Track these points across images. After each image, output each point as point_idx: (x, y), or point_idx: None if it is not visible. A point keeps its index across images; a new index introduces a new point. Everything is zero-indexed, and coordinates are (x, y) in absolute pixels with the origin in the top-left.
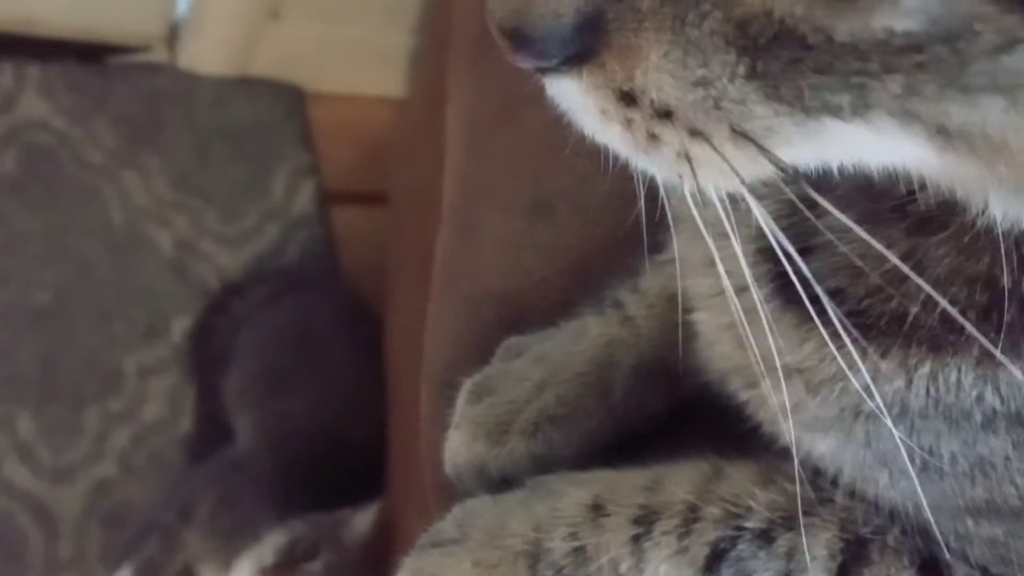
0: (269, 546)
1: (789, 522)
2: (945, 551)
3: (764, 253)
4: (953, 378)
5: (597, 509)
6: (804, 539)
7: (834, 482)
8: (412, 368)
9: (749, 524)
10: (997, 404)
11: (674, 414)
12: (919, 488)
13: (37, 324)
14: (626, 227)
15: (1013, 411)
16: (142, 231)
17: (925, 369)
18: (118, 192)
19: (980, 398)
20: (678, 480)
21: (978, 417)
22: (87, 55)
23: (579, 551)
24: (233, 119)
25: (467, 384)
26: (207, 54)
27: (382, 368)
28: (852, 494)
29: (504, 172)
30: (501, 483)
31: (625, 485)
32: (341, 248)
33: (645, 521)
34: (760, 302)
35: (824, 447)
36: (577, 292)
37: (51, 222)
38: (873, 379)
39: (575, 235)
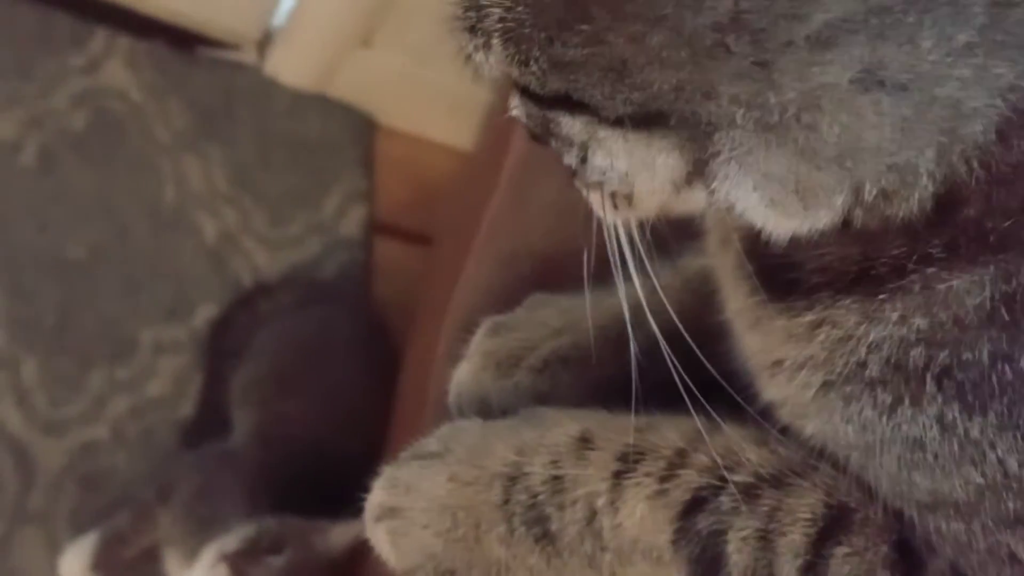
0: (235, 535)
1: (775, 481)
2: (915, 539)
3: (749, 254)
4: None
5: (584, 442)
6: (790, 499)
7: (822, 456)
8: (419, 400)
9: (736, 477)
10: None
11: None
12: (870, 471)
13: (64, 276)
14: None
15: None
16: (190, 215)
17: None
18: (175, 173)
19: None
20: (671, 427)
21: (874, 371)
22: (179, 40)
23: (557, 480)
24: (302, 132)
25: (487, 321)
26: (292, 66)
27: (390, 399)
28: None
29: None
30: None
31: (617, 424)
32: (376, 277)
33: (630, 459)
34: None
35: (811, 429)
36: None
37: (103, 183)
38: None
39: None
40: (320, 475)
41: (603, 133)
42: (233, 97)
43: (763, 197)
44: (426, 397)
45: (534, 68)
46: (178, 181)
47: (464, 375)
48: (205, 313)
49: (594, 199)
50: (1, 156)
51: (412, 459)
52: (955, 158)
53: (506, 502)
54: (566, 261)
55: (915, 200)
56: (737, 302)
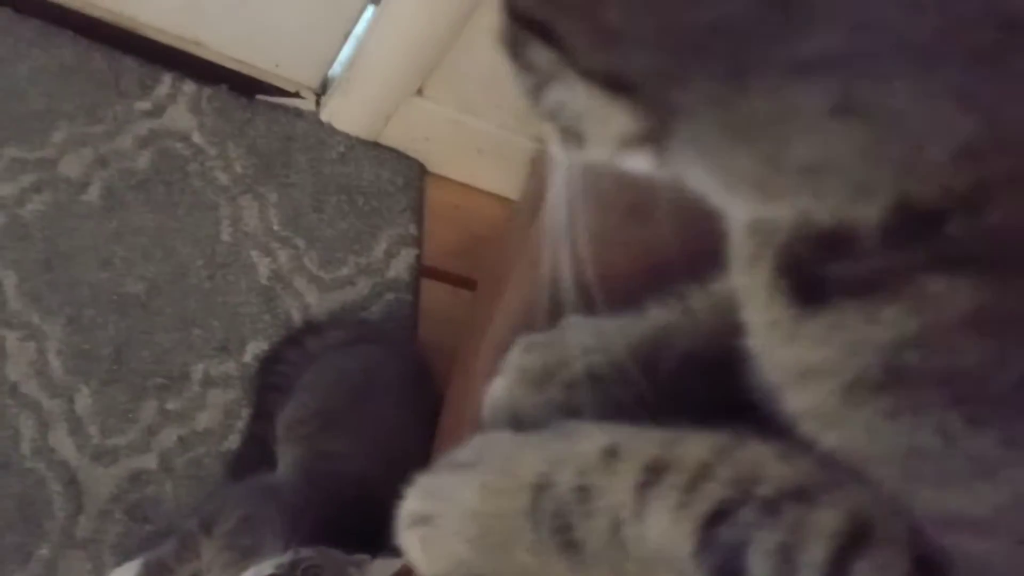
0: (272, 562)
1: (798, 496)
2: (937, 556)
3: (781, 270)
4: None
5: (612, 453)
6: (812, 514)
7: (846, 470)
8: (456, 435)
9: (759, 491)
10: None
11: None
12: (888, 484)
13: (123, 310)
14: (713, 240)
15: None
16: (244, 254)
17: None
18: (233, 214)
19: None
20: (698, 440)
21: (878, 375)
22: (242, 87)
23: (584, 490)
24: (355, 177)
25: (522, 339)
26: (348, 113)
27: (431, 439)
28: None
29: (610, 177)
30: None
31: (644, 437)
32: (422, 320)
33: (655, 470)
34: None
35: (832, 440)
36: (651, 291)
37: (164, 223)
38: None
39: (662, 240)
40: (361, 512)
41: (569, 75)
42: (291, 142)
43: (718, 182)
44: (463, 422)
45: None
46: (234, 221)
47: (499, 389)
48: (255, 349)
49: (547, 130)
50: (68, 194)
51: (445, 468)
52: (921, 179)
53: (534, 511)
54: (604, 287)
55: (885, 212)
56: (771, 314)
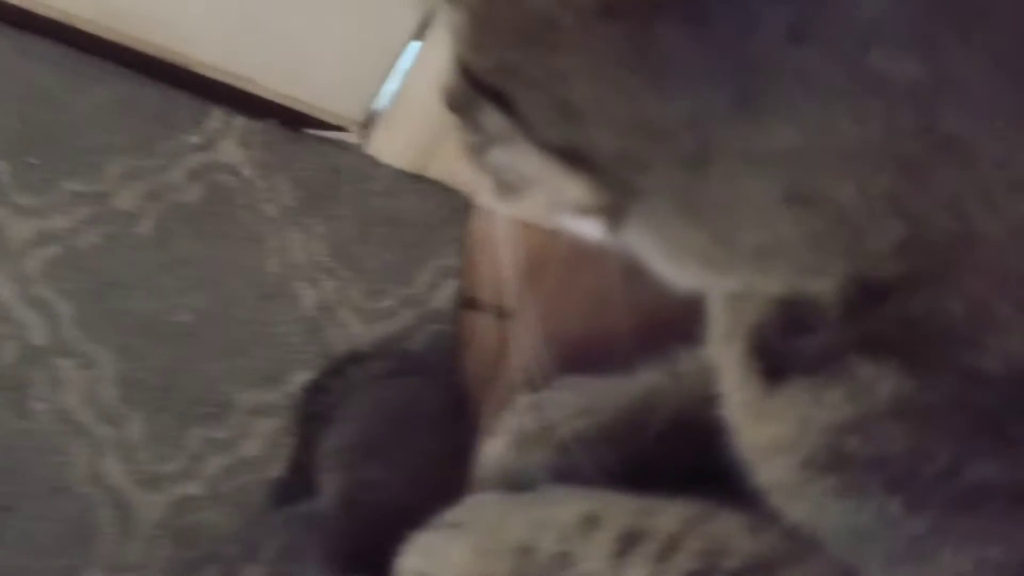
0: None
1: (764, 570)
2: None
3: (754, 351)
4: None
5: (591, 521)
6: None
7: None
8: None
9: (725, 564)
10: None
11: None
12: (847, 558)
13: (172, 340)
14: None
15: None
16: (290, 285)
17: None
18: (280, 245)
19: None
20: (671, 511)
21: (822, 456)
22: (288, 120)
23: (565, 556)
24: (400, 209)
25: (518, 400)
26: (394, 147)
27: (467, 471)
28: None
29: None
30: (521, 491)
31: (621, 506)
32: (464, 351)
33: (630, 540)
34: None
35: (795, 514)
36: (646, 351)
37: (212, 254)
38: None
39: (660, 302)
40: (399, 541)
41: (523, 144)
42: (337, 175)
43: (668, 255)
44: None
45: (482, 59)
46: (281, 253)
47: (492, 450)
48: (299, 379)
49: (480, 178)
50: (121, 226)
51: (440, 528)
52: (860, 266)
53: (519, 573)
54: (600, 346)
55: (841, 284)
56: (744, 394)
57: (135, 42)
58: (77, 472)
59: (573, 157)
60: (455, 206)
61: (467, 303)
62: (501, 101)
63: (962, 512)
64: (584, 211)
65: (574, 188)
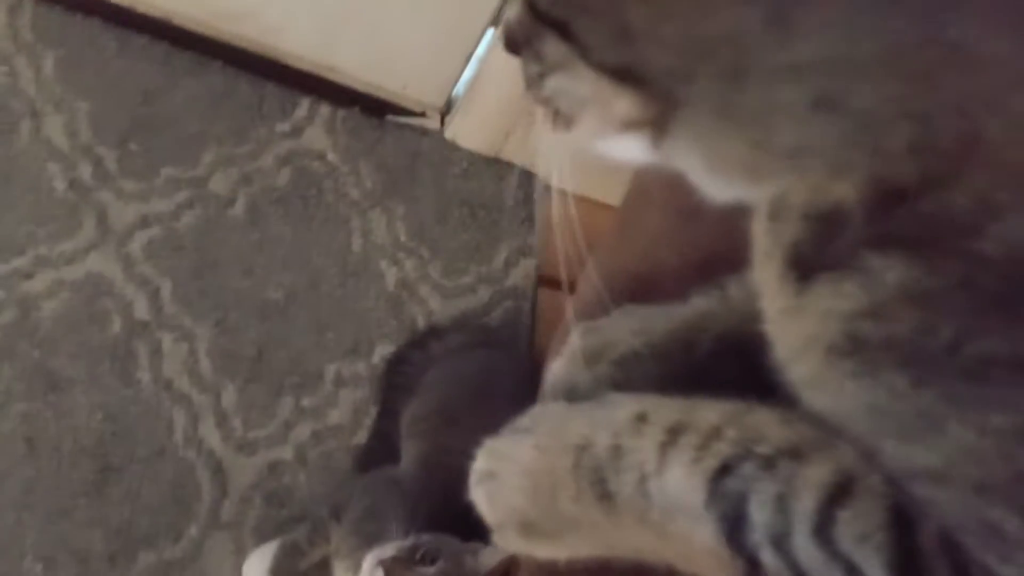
0: (393, 544)
1: (792, 454)
2: (908, 503)
3: (789, 263)
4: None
5: (641, 419)
6: (804, 469)
7: (833, 429)
8: None
9: (760, 449)
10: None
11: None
12: (863, 440)
13: (264, 315)
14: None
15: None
16: (373, 264)
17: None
18: (363, 226)
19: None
20: (713, 407)
21: (842, 342)
22: (371, 108)
23: (617, 449)
24: (477, 191)
25: (580, 325)
26: (471, 131)
27: None
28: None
29: (668, 182)
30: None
31: (669, 405)
32: (539, 327)
33: (675, 432)
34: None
35: (820, 403)
36: (699, 284)
37: (300, 235)
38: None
39: (712, 239)
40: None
41: (580, 66)
42: (417, 159)
43: (709, 164)
44: None
45: None
46: (364, 233)
47: (557, 367)
48: (382, 351)
49: (539, 112)
50: (217, 209)
51: (507, 432)
52: (880, 168)
53: (577, 467)
54: (656, 281)
55: (862, 188)
56: (781, 302)
57: (229, 37)
58: (177, 437)
59: (626, 75)
60: (529, 187)
61: (542, 280)
62: (562, 30)
63: (965, 383)
64: (632, 126)
65: (625, 104)
